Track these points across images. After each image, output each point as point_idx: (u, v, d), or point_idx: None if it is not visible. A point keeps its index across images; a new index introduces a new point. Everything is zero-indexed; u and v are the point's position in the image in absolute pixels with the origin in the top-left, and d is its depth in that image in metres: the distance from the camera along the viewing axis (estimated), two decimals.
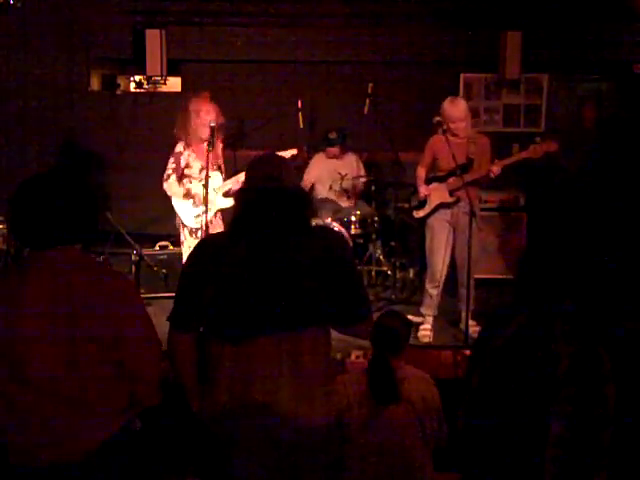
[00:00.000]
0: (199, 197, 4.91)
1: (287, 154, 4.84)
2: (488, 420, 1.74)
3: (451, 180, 4.84)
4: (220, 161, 5.07)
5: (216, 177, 4.95)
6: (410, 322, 3.26)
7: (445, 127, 4.75)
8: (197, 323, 2.41)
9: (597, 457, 1.58)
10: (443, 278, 4.98)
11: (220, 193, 4.98)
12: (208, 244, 2.52)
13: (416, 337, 4.97)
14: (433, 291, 5.00)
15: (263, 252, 2.28)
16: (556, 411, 1.59)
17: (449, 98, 4.90)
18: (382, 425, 2.86)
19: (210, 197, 4.83)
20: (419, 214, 5.05)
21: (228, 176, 5.09)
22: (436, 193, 4.93)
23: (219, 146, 5.05)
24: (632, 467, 1.62)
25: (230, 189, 4.97)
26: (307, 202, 2.44)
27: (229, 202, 4.99)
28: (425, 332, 5.00)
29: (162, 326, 5.39)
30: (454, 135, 4.79)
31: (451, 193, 4.86)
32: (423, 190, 4.97)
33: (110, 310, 2.13)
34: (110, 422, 2.19)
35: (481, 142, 4.91)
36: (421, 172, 5.04)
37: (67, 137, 7.18)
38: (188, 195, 5.00)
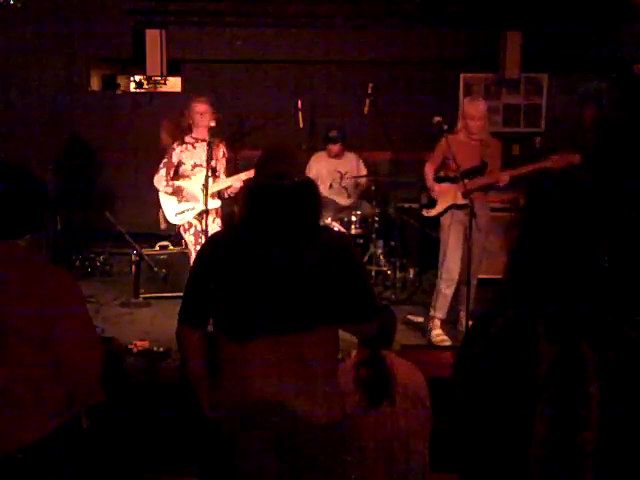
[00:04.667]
0: (188, 193, 4.99)
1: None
2: (474, 419, 1.74)
3: (465, 182, 4.72)
4: (216, 163, 5.04)
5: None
6: (392, 311, 3.26)
7: (446, 127, 4.70)
8: (205, 319, 2.39)
9: (581, 459, 1.58)
10: (457, 278, 4.89)
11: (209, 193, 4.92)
12: (217, 241, 2.49)
13: (431, 341, 4.89)
14: (449, 291, 4.88)
15: (271, 251, 2.26)
16: (539, 411, 1.59)
17: (469, 97, 4.94)
18: (379, 415, 2.85)
19: (197, 194, 4.89)
20: (430, 213, 4.97)
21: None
22: (449, 193, 4.85)
23: (218, 149, 5.06)
24: (619, 469, 1.62)
25: (220, 191, 5.00)
26: (317, 200, 2.37)
27: (216, 203, 5.04)
28: (442, 337, 4.87)
29: (162, 326, 5.38)
30: (470, 135, 4.78)
31: (464, 195, 4.74)
32: (436, 189, 4.90)
33: (45, 308, 2.09)
34: (45, 421, 2.14)
35: (493, 145, 4.89)
36: (430, 170, 4.96)
37: (67, 137, 7.19)
38: (176, 193, 5.04)
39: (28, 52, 7.04)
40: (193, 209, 4.98)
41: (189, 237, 5.12)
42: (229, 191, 5.00)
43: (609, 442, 1.56)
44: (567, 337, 1.59)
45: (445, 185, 4.90)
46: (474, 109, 4.78)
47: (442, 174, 4.99)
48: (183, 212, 5.06)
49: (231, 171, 5.21)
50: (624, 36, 6.78)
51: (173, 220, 5.12)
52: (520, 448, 1.58)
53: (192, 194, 5.00)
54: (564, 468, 1.55)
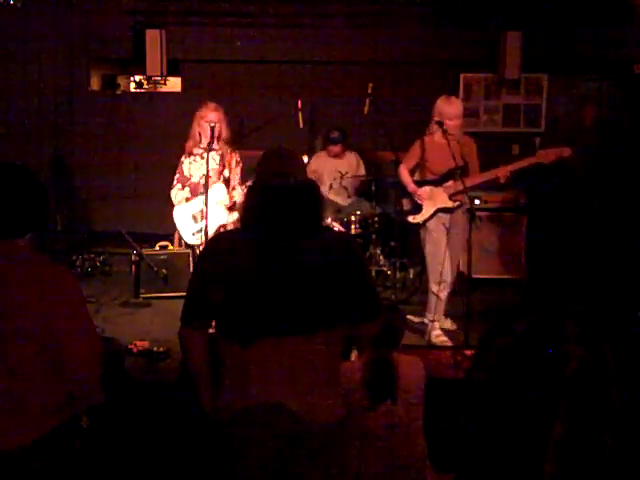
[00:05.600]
0: (202, 212, 4.71)
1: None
2: (491, 417, 1.74)
3: (450, 183, 4.72)
4: (230, 173, 4.87)
5: (219, 189, 4.77)
6: (404, 314, 3.27)
7: (446, 127, 4.63)
8: (207, 321, 2.39)
9: (597, 461, 1.58)
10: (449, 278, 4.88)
11: (222, 206, 4.77)
12: (221, 241, 2.49)
13: (431, 342, 4.87)
14: (443, 293, 4.84)
15: (274, 253, 2.26)
16: (560, 412, 1.59)
17: (443, 96, 4.85)
18: (380, 410, 2.88)
19: (211, 211, 4.62)
20: (416, 219, 4.86)
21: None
22: (435, 197, 4.79)
23: (230, 157, 4.87)
24: (633, 473, 1.62)
25: (235, 203, 4.77)
26: (319, 200, 2.36)
27: (232, 217, 4.78)
28: (442, 337, 4.86)
29: (162, 326, 5.37)
30: (448, 135, 4.67)
31: (451, 197, 4.75)
32: (422, 193, 4.80)
33: (46, 308, 2.09)
34: (45, 420, 2.15)
35: (468, 143, 4.88)
36: (406, 173, 4.89)
37: (67, 137, 7.19)
38: (193, 192, 4.84)
39: (28, 52, 7.04)
40: (210, 226, 4.67)
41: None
42: (235, 207, 4.77)
43: (624, 445, 1.56)
44: (595, 339, 1.59)
45: (429, 188, 4.82)
46: (454, 109, 4.70)
47: (417, 177, 4.93)
48: (201, 230, 4.78)
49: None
50: (624, 36, 6.77)
51: (191, 240, 4.90)
52: (536, 447, 1.58)
53: (203, 213, 4.70)
54: (580, 470, 1.55)
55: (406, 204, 4.96)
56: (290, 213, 2.26)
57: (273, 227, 2.26)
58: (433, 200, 4.80)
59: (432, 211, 4.81)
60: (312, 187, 2.37)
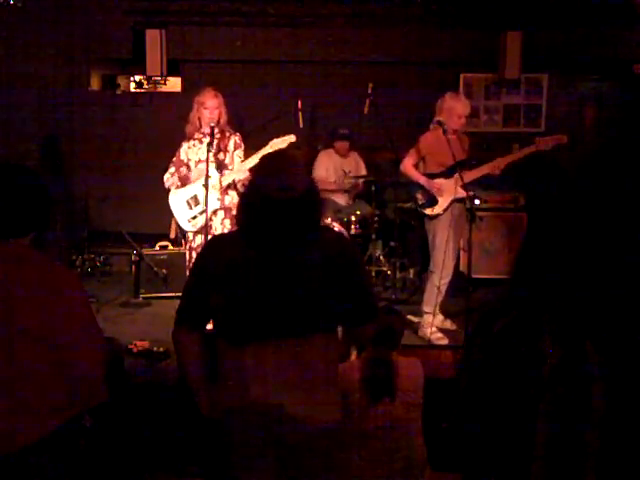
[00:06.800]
0: (195, 198, 4.82)
1: (284, 143, 4.68)
2: (477, 419, 1.74)
3: (457, 176, 4.74)
4: (224, 156, 4.82)
5: (212, 174, 4.68)
6: (403, 315, 3.29)
7: (447, 127, 4.66)
8: (202, 322, 2.39)
9: (584, 459, 1.58)
10: None
11: (217, 191, 4.73)
12: (218, 244, 2.48)
13: (429, 340, 4.88)
14: (444, 287, 4.91)
15: (272, 255, 2.25)
16: (543, 411, 1.58)
17: (451, 94, 4.93)
18: (380, 411, 2.89)
19: (203, 196, 4.59)
20: (434, 211, 4.88)
21: None
22: (448, 188, 4.84)
23: (228, 140, 4.84)
24: (621, 469, 1.61)
25: (231, 184, 4.76)
26: (320, 205, 2.33)
27: (226, 200, 4.79)
28: (438, 334, 4.89)
29: (162, 326, 5.36)
30: (452, 131, 4.76)
31: (463, 188, 4.75)
32: (436, 185, 4.84)
33: (49, 308, 2.10)
34: (48, 420, 2.15)
35: (465, 140, 4.99)
36: (413, 167, 4.94)
37: (67, 137, 7.18)
38: (183, 180, 4.86)
39: (28, 52, 7.04)
40: (204, 211, 4.62)
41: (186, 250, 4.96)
42: (239, 184, 4.76)
43: (611, 442, 1.56)
44: (572, 337, 1.58)
45: (441, 180, 4.88)
46: (464, 107, 4.83)
47: (421, 171, 4.96)
48: (196, 217, 4.81)
49: None
50: (624, 36, 6.78)
51: (187, 227, 4.89)
52: (523, 448, 1.57)
53: (199, 198, 4.77)
54: (567, 469, 1.55)
55: (420, 198, 4.98)
56: (293, 224, 2.24)
57: (274, 235, 2.25)
58: (448, 191, 4.85)
59: (449, 202, 4.86)
60: (314, 194, 2.32)
